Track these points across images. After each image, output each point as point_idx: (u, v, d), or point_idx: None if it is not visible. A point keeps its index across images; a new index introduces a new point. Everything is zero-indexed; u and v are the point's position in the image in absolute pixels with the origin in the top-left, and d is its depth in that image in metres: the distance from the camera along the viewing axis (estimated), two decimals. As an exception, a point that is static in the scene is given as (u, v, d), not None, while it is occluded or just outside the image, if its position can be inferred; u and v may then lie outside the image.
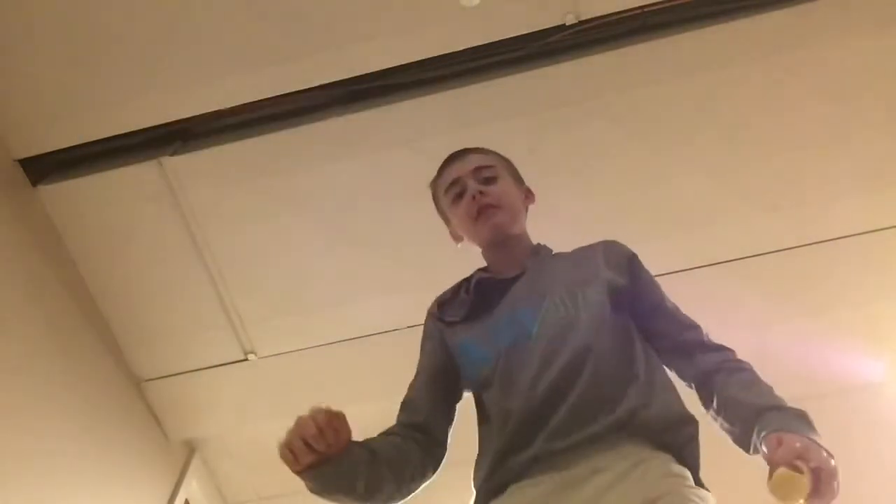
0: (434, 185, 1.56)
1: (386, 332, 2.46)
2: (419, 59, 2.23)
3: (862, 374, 2.69)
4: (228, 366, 2.57)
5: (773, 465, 1.01)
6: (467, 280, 1.47)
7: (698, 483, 1.20)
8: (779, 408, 1.18)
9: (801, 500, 0.99)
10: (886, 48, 2.16)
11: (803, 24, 2.14)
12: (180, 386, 2.59)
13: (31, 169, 2.32)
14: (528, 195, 1.54)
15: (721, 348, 1.33)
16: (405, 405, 1.40)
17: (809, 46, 2.15)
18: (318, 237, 2.39)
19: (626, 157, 2.29)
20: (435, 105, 2.24)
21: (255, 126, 2.32)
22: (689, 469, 1.19)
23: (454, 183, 1.47)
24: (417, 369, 1.45)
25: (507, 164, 1.55)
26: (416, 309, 2.47)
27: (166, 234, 2.36)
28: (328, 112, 2.29)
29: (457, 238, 1.53)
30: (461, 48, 2.21)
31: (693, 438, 1.23)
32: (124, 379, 2.51)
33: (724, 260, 2.40)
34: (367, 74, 2.25)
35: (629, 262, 1.40)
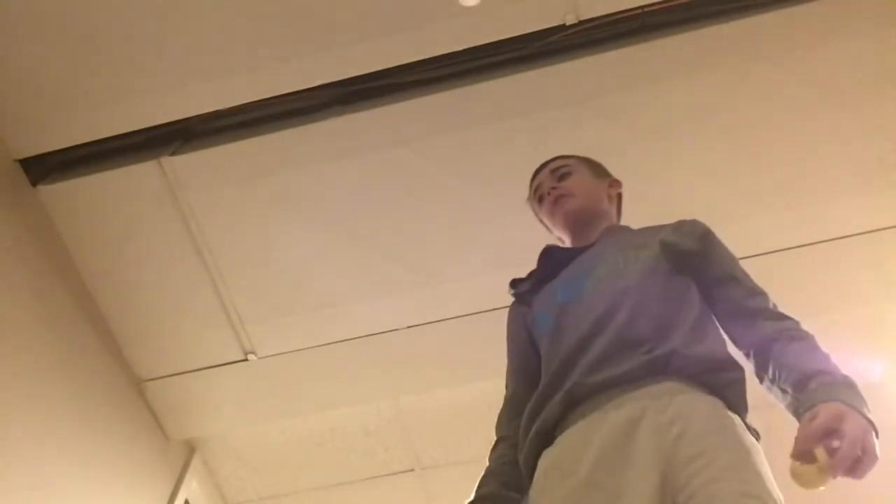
0: (529, 201, 1.69)
1: (386, 332, 2.46)
2: (419, 59, 2.23)
3: (862, 375, 2.68)
4: (228, 366, 2.57)
5: (796, 447, 1.05)
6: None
7: (744, 423, 1.20)
8: (825, 373, 1.17)
9: (822, 485, 1.03)
10: (886, 48, 2.16)
11: (803, 24, 2.14)
12: (180, 386, 2.59)
13: (31, 169, 2.32)
14: (613, 184, 1.65)
15: (784, 317, 1.32)
16: (507, 406, 1.43)
17: (809, 46, 2.15)
18: (318, 237, 2.39)
19: (625, 157, 2.28)
20: (435, 105, 2.24)
21: (255, 126, 2.33)
22: (733, 409, 1.20)
23: (537, 188, 1.63)
24: (508, 366, 1.48)
25: (586, 161, 1.66)
26: (415, 309, 2.48)
27: (166, 234, 2.36)
28: (328, 112, 2.29)
29: (558, 240, 1.62)
30: (461, 48, 2.21)
31: (736, 382, 1.23)
32: (124, 379, 2.51)
33: (724, 260, 2.40)
34: (367, 74, 2.25)
35: (703, 233, 1.43)
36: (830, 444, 1.02)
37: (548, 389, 1.27)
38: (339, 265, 2.42)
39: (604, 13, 2.16)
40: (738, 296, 1.35)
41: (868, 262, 2.40)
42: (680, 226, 1.45)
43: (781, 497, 1.07)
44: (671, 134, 2.26)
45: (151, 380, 2.58)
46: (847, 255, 2.38)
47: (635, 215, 2.35)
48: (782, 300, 2.54)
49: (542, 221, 1.65)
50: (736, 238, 2.37)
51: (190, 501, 2.68)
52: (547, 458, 1.22)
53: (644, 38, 2.18)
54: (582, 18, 2.16)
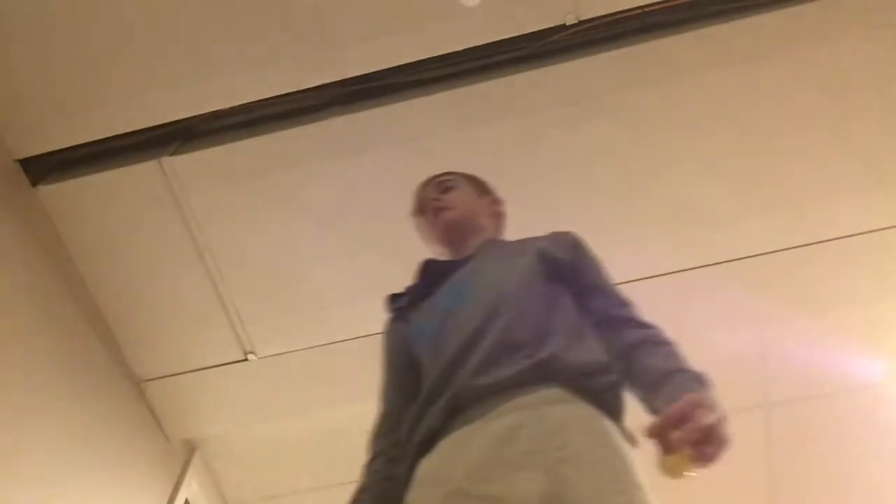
0: (411, 212, 1.73)
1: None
2: (419, 59, 2.23)
3: (862, 375, 2.69)
4: (228, 366, 2.57)
5: (655, 433, 1.05)
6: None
7: (622, 430, 1.22)
8: (683, 371, 1.21)
9: (687, 471, 1.03)
10: (886, 48, 2.16)
11: (803, 24, 2.14)
12: (180, 386, 2.59)
13: (31, 169, 2.31)
14: (495, 202, 1.73)
15: (649, 325, 1.36)
16: (383, 422, 1.42)
17: (809, 46, 2.15)
18: (318, 237, 2.39)
19: (626, 157, 2.29)
20: (435, 105, 2.24)
21: (255, 126, 2.32)
22: (612, 416, 1.21)
23: (420, 201, 1.70)
24: (384, 381, 1.48)
25: (470, 179, 1.73)
26: (416, 309, 2.47)
27: (166, 234, 2.36)
28: (328, 112, 2.29)
29: (435, 254, 1.66)
30: (461, 48, 2.21)
31: (615, 386, 1.25)
32: (124, 379, 2.51)
33: (724, 260, 2.40)
34: (367, 74, 2.25)
35: (574, 243, 1.49)
36: (690, 429, 1.03)
37: (430, 396, 1.26)
38: (339, 265, 2.42)
39: (604, 13, 2.16)
40: (607, 305, 1.40)
41: (868, 262, 2.40)
42: (554, 236, 1.51)
43: None
44: (671, 134, 2.26)
45: (151, 380, 2.58)
46: (847, 255, 2.38)
47: (636, 215, 2.37)
48: (782, 300, 2.55)
49: (421, 235, 1.70)
50: (736, 238, 2.40)
51: (190, 501, 2.68)
52: (424, 466, 1.21)
53: (644, 38, 2.18)
54: (582, 18, 2.16)
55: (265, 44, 2.18)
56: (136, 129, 2.31)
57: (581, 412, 1.18)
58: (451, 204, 1.61)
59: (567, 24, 2.16)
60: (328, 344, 2.53)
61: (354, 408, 2.70)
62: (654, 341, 1.31)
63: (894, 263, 2.41)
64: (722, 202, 2.33)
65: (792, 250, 2.38)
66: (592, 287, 1.43)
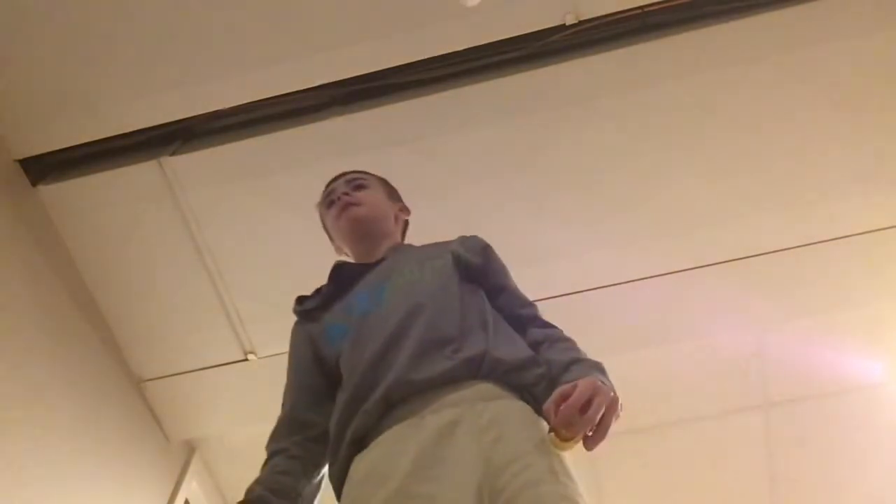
0: (318, 205, 1.72)
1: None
2: (419, 59, 2.23)
3: (862, 375, 2.69)
4: (228, 366, 2.57)
5: (555, 412, 1.10)
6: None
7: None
8: (581, 361, 1.25)
9: (571, 443, 1.10)
10: (886, 48, 2.16)
11: (803, 24, 2.14)
12: (180, 386, 2.59)
13: (31, 169, 2.31)
14: (403, 210, 1.73)
15: (551, 325, 1.41)
16: (284, 422, 1.41)
17: (809, 46, 2.15)
18: (318, 237, 2.38)
19: (626, 157, 2.29)
20: (435, 105, 2.24)
21: (255, 126, 2.32)
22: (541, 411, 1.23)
23: (328, 193, 1.68)
24: (287, 383, 1.47)
25: (383, 182, 1.74)
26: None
27: (166, 234, 2.36)
28: (328, 112, 2.29)
29: (338, 250, 1.69)
30: (461, 48, 2.21)
31: (543, 378, 1.27)
32: (124, 379, 2.51)
33: (724, 260, 2.40)
34: (367, 74, 2.25)
35: (484, 248, 1.52)
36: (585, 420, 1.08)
37: (358, 395, 1.25)
38: (339, 265, 2.42)
39: (604, 13, 2.16)
40: (513, 305, 1.44)
41: (868, 262, 2.40)
42: (464, 240, 1.54)
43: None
44: (671, 134, 2.26)
45: (151, 380, 2.58)
46: (847, 255, 2.38)
47: (636, 215, 2.37)
48: (782, 300, 2.55)
49: (326, 229, 1.70)
50: (736, 238, 2.40)
51: (190, 501, 2.68)
52: (359, 466, 1.20)
53: (644, 38, 2.18)
54: (582, 18, 2.16)
55: (265, 44, 2.18)
56: (136, 129, 2.31)
57: (515, 407, 1.21)
58: (360, 201, 1.61)
59: (567, 24, 2.16)
60: (328, 344, 2.53)
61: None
62: (556, 338, 1.35)
63: (894, 263, 2.41)
64: (722, 202, 2.33)
65: (792, 250, 2.38)
66: (500, 288, 1.47)
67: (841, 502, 2.89)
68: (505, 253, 1.57)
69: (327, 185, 1.71)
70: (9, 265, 2.15)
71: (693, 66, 2.18)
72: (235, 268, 2.42)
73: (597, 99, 2.22)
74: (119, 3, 2.13)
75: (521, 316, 1.42)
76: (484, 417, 1.16)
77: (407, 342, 1.27)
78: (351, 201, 1.60)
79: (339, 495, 1.24)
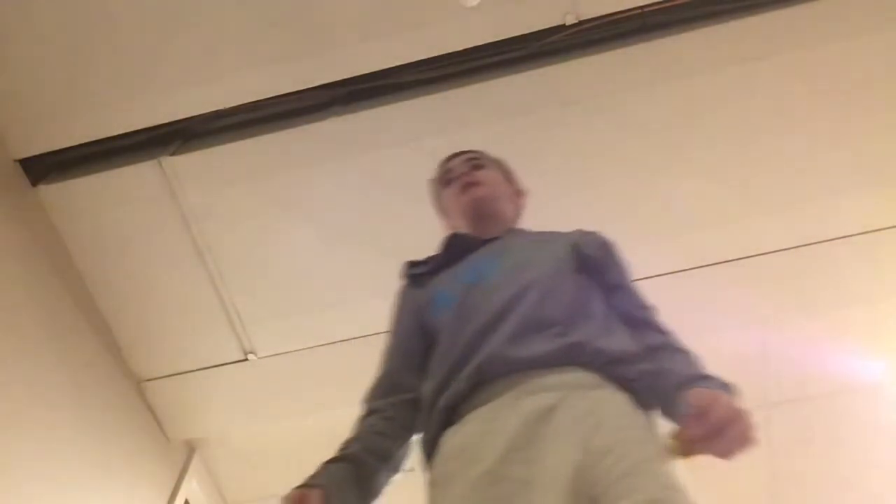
0: (433, 179, 1.71)
1: (386, 332, 2.46)
2: (419, 59, 2.23)
3: (862, 375, 2.69)
4: (228, 366, 2.57)
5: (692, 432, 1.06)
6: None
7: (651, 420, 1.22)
8: (707, 377, 1.21)
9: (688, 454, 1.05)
10: (886, 48, 2.16)
11: (803, 24, 2.14)
12: (180, 386, 2.59)
13: (31, 169, 2.31)
14: (520, 193, 1.70)
15: (668, 331, 1.36)
16: (382, 382, 1.42)
17: (809, 46, 2.15)
18: (318, 237, 2.39)
19: (626, 157, 2.29)
20: (435, 105, 2.24)
21: (255, 126, 2.32)
22: (642, 404, 1.21)
23: (447, 171, 1.67)
24: (389, 344, 1.48)
25: (500, 163, 1.72)
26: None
27: (166, 233, 2.36)
28: (328, 112, 2.29)
29: (450, 228, 1.65)
30: (461, 48, 2.21)
31: (647, 375, 1.24)
32: (124, 379, 2.51)
33: (724, 260, 2.40)
34: (367, 74, 2.25)
35: (603, 242, 1.50)
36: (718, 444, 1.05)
37: (458, 363, 1.25)
38: (339, 265, 2.42)
39: (604, 13, 2.16)
40: (631, 304, 1.41)
41: (868, 262, 2.40)
42: (585, 233, 1.52)
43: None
44: (671, 134, 2.26)
45: (151, 380, 2.58)
46: (847, 255, 2.38)
47: (636, 215, 2.36)
48: (782, 300, 2.55)
49: (439, 206, 1.69)
50: (736, 238, 2.40)
51: (190, 501, 2.68)
52: (452, 440, 1.20)
53: (644, 38, 2.18)
54: (582, 18, 2.16)
55: (265, 44, 2.18)
56: (136, 129, 2.31)
57: (613, 398, 1.18)
58: (481, 181, 1.59)
59: (567, 24, 2.16)
60: (328, 344, 2.53)
61: (354, 408, 2.70)
62: (675, 347, 1.31)
63: (894, 263, 2.41)
64: (722, 202, 2.33)
65: (792, 250, 2.38)
66: (618, 286, 1.43)
67: (841, 502, 2.89)
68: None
69: (443, 163, 1.70)
70: (9, 265, 2.15)
71: (693, 66, 2.18)
72: (235, 268, 2.42)
73: (597, 99, 2.22)
74: (119, 4, 2.13)
75: (637, 317, 1.37)
76: (583, 405, 1.13)
77: (511, 318, 1.25)
78: (472, 181, 1.59)
79: (428, 464, 1.23)
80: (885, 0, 2.12)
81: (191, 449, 2.78)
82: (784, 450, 2.81)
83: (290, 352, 2.55)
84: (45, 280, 2.27)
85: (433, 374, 1.29)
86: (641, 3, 2.15)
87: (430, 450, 1.24)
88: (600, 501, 1.01)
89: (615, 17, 2.17)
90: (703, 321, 2.51)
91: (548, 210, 2.33)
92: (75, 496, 2.13)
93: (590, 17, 2.16)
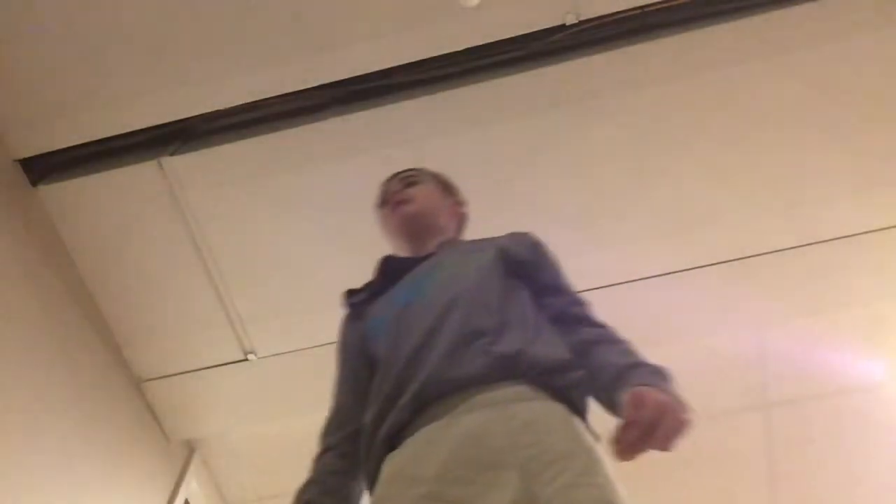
0: (375, 206, 1.72)
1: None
2: (419, 59, 2.23)
3: (862, 375, 2.69)
4: (228, 366, 2.57)
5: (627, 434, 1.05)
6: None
7: (588, 427, 1.22)
8: (641, 364, 1.21)
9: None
10: (885, 48, 2.16)
11: (803, 24, 2.14)
12: (180, 386, 2.59)
13: (31, 169, 2.32)
14: (459, 203, 1.72)
15: (604, 325, 1.37)
16: (334, 417, 1.42)
17: (809, 46, 2.15)
18: (318, 237, 2.39)
19: (626, 157, 2.29)
20: (435, 105, 2.24)
21: (255, 126, 2.32)
22: (577, 412, 1.22)
23: (384, 193, 1.69)
24: (337, 378, 1.48)
25: (436, 176, 1.73)
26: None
27: (166, 234, 2.36)
28: (328, 112, 2.29)
29: (396, 250, 1.66)
30: (461, 48, 2.21)
31: (580, 383, 1.25)
32: (124, 379, 2.51)
33: (724, 260, 2.40)
34: (367, 74, 2.25)
35: (534, 244, 1.50)
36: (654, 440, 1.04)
37: (394, 391, 1.24)
38: (339, 265, 2.42)
39: (604, 13, 2.16)
40: (564, 303, 1.41)
41: (867, 262, 2.40)
42: (514, 235, 1.52)
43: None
44: (671, 134, 2.26)
45: (151, 380, 2.58)
46: (846, 255, 2.38)
47: (636, 215, 2.36)
48: (782, 300, 2.55)
49: (382, 228, 1.70)
50: (736, 238, 2.40)
51: (190, 501, 2.68)
52: (391, 464, 1.19)
53: (644, 38, 2.18)
54: (582, 18, 2.16)
55: (265, 44, 2.18)
56: (136, 129, 2.31)
57: (548, 409, 1.18)
58: (411, 198, 1.61)
59: (567, 24, 2.16)
60: (328, 344, 2.52)
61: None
62: (611, 339, 1.32)
63: (894, 263, 2.41)
64: (722, 202, 2.33)
65: (792, 250, 2.38)
66: (551, 285, 1.44)
67: (841, 502, 2.89)
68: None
69: (382, 185, 1.72)
70: (9, 265, 2.15)
71: (693, 66, 2.18)
72: (235, 268, 2.42)
73: (597, 99, 2.22)
74: (119, 4, 2.13)
75: (571, 314, 1.38)
76: (518, 419, 1.13)
77: (442, 337, 1.26)
78: (402, 198, 1.61)
79: (371, 492, 1.23)
80: (885, 0, 2.12)
81: (191, 449, 2.78)
82: (784, 450, 2.81)
83: (290, 352, 2.55)
84: (45, 280, 2.27)
85: (372, 403, 1.29)
86: (641, 3, 2.15)
87: (373, 478, 1.23)
88: None
89: (615, 16, 2.17)
90: (702, 321, 2.52)
91: (547, 210, 2.34)
92: (75, 496, 2.13)
93: (590, 16, 2.16)
